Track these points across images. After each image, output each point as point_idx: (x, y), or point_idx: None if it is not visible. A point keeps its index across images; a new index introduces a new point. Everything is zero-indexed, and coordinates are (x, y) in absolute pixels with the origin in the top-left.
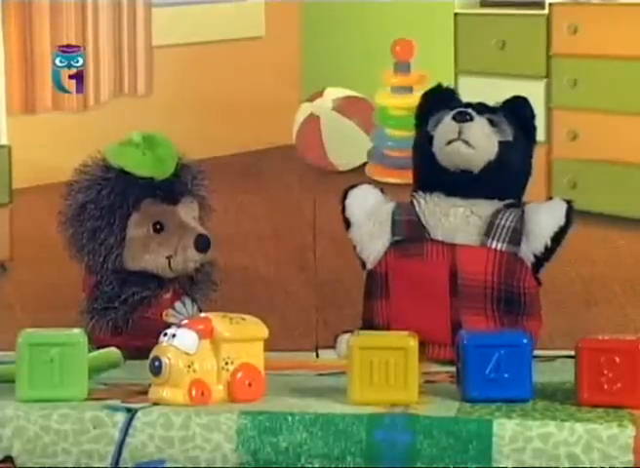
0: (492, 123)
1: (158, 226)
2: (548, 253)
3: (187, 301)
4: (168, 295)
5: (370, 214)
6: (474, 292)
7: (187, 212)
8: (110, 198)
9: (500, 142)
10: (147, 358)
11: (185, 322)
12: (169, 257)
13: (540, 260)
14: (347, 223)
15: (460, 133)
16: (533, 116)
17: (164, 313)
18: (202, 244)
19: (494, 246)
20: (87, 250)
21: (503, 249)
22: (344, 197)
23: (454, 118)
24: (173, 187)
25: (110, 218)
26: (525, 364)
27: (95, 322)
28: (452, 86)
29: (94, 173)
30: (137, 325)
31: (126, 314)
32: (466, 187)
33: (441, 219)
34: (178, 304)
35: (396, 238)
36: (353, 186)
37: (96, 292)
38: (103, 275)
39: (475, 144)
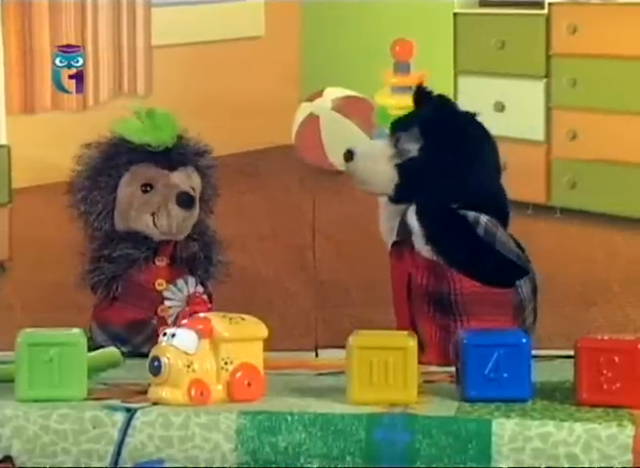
0: (398, 142)
1: (148, 188)
2: (433, 246)
3: (190, 279)
4: (162, 264)
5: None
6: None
7: (184, 179)
8: (103, 162)
9: (398, 165)
10: (141, 332)
11: (185, 322)
12: (153, 214)
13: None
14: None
15: (348, 171)
16: (447, 118)
17: (157, 282)
18: (183, 199)
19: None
20: (82, 211)
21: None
22: None
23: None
24: (171, 155)
25: (100, 181)
26: (524, 363)
27: (91, 283)
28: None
29: (97, 144)
30: (128, 291)
31: (115, 274)
32: (398, 202)
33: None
34: (180, 281)
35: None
36: None
37: (100, 251)
38: (96, 236)
39: (364, 179)
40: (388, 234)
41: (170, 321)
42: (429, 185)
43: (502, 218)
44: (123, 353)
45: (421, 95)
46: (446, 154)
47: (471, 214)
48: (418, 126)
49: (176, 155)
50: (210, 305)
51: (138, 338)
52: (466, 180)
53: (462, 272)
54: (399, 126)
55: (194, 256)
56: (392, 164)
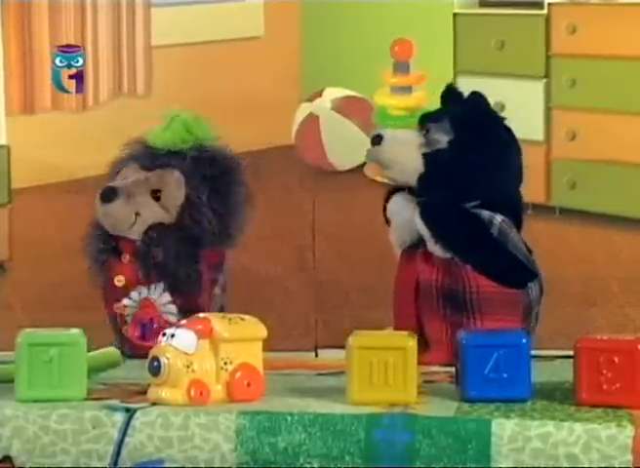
0: (428, 133)
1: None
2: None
3: (158, 288)
4: (126, 260)
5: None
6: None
7: (153, 179)
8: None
9: (426, 154)
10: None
11: (184, 322)
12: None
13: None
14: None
15: (373, 156)
16: (480, 115)
17: (116, 278)
18: (102, 193)
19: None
20: None
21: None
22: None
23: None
24: (156, 156)
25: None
26: (524, 364)
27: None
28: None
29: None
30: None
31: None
32: (419, 196)
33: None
34: (142, 289)
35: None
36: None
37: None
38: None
39: (389, 164)
40: (399, 242)
41: (128, 319)
42: (454, 179)
43: (516, 222)
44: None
45: (451, 92)
46: (475, 151)
47: (486, 214)
48: (449, 119)
49: (161, 156)
50: (157, 310)
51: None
52: (491, 179)
53: (476, 270)
54: (430, 118)
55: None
56: (420, 152)
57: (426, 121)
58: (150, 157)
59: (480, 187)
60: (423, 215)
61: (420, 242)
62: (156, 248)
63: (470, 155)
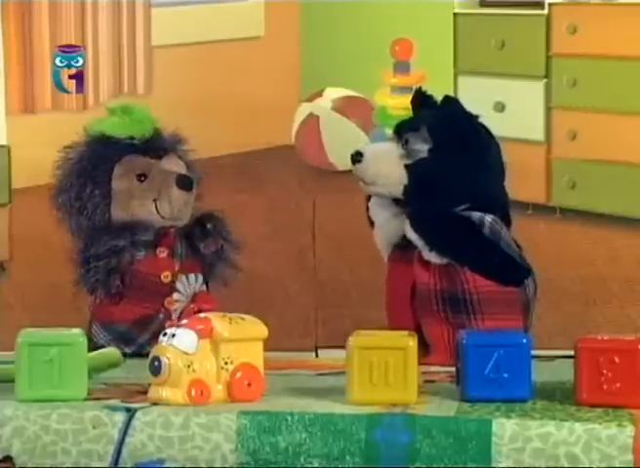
0: (407, 143)
1: (142, 177)
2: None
3: (197, 277)
4: (164, 255)
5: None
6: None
7: (172, 166)
8: (92, 157)
9: (408, 165)
10: (147, 328)
11: (185, 321)
12: (155, 200)
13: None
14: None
15: (355, 174)
16: (456, 120)
17: (162, 275)
18: (183, 181)
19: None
20: (75, 209)
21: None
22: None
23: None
24: (154, 144)
25: (93, 175)
26: (524, 363)
27: (91, 283)
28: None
29: (76, 145)
30: (131, 286)
31: (108, 269)
32: (406, 204)
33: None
34: (192, 276)
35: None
36: None
37: (87, 251)
38: (93, 231)
39: (374, 180)
40: (385, 245)
41: (174, 316)
42: (440, 186)
43: (505, 219)
44: (125, 354)
45: (421, 97)
46: (456, 155)
47: (476, 215)
48: (426, 127)
49: (158, 144)
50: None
51: (144, 336)
52: (476, 181)
53: (473, 271)
54: (406, 127)
55: (216, 255)
56: (402, 164)
57: (403, 130)
58: (146, 146)
59: (466, 190)
60: (414, 225)
61: (407, 243)
62: (219, 238)
63: (452, 160)
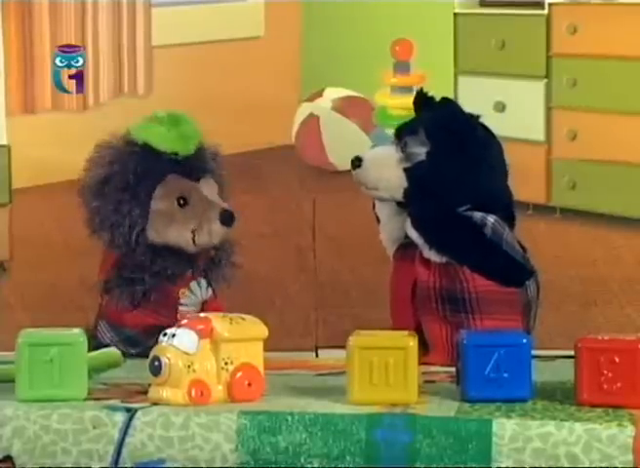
0: (405, 146)
1: (182, 201)
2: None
3: (203, 282)
4: (189, 274)
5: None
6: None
7: (209, 189)
8: (136, 171)
9: (407, 169)
10: (156, 335)
11: (185, 322)
12: (194, 231)
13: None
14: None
15: (356, 180)
16: (453, 121)
17: (180, 291)
18: (227, 218)
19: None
20: (110, 222)
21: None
22: None
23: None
24: (195, 164)
25: (135, 191)
26: (524, 363)
27: (119, 291)
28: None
29: (118, 147)
30: (152, 300)
31: (151, 287)
32: (407, 206)
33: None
34: (193, 283)
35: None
36: None
37: (121, 264)
38: (129, 248)
39: (373, 185)
40: (390, 242)
41: None
42: (439, 188)
43: (509, 219)
44: (129, 354)
45: (422, 99)
46: (454, 157)
47: (478, 215)
48: (424, 130)
49: (199, 165)
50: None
51: (151, 342)
52: (476, 182)
53: (473, 271)
54: (405, 130)
55: (212, 260)
56: (401, 168)
57: (402, 133)
58: (186, 165)
59: (467, 191)
60: (415, 225)
61: (411, 241)
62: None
63: (451, 162)
